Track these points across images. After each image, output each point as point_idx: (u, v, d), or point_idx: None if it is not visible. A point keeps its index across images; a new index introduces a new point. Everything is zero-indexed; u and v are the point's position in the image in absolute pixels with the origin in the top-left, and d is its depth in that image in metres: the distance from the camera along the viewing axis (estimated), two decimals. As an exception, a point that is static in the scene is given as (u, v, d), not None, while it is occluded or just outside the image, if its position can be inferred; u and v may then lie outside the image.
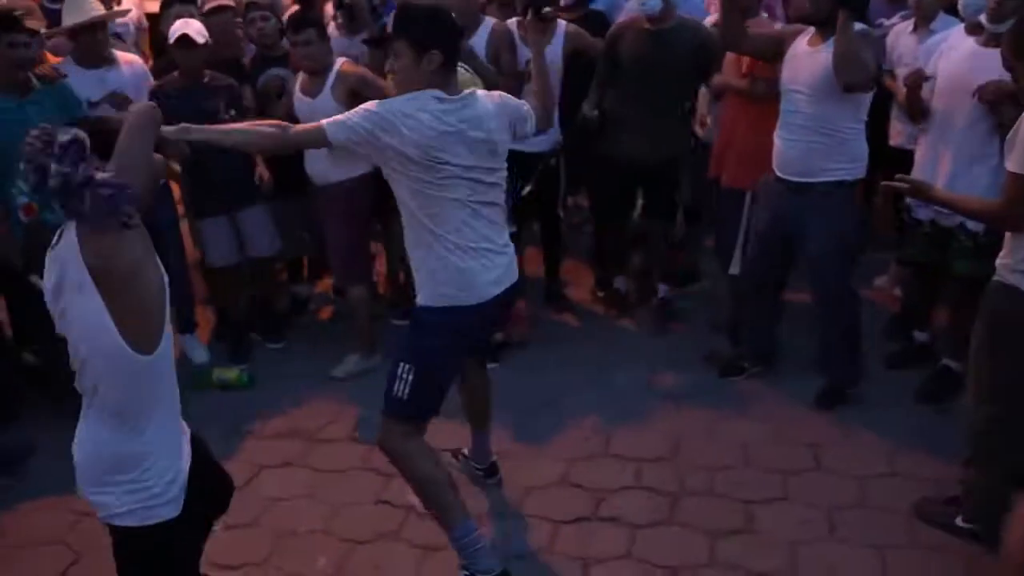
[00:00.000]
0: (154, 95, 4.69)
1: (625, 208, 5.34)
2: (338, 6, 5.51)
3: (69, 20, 4.68)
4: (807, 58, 4.13)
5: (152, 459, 2.37)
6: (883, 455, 4.06)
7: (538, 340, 5.25)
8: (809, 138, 4.14)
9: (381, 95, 3.64)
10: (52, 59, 4.74)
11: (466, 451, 4.02)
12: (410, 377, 3.20)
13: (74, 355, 2.32)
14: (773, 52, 4.32)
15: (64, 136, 2.02)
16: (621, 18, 5.52)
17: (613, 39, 5.07)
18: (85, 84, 4.61)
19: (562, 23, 5.18)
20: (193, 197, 5.17)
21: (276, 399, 4.76)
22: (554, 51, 5.01)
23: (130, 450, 2.35)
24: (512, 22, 5.11)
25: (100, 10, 4.77)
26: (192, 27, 4.74)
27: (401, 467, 3.33)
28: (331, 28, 5.42)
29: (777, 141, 4.29)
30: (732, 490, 3.89)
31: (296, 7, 5.41)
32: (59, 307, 2.29)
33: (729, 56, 4.76)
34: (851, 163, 4.20)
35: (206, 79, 4.84)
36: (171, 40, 4.75)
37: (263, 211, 5.11)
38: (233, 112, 4.70)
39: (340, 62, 4.76)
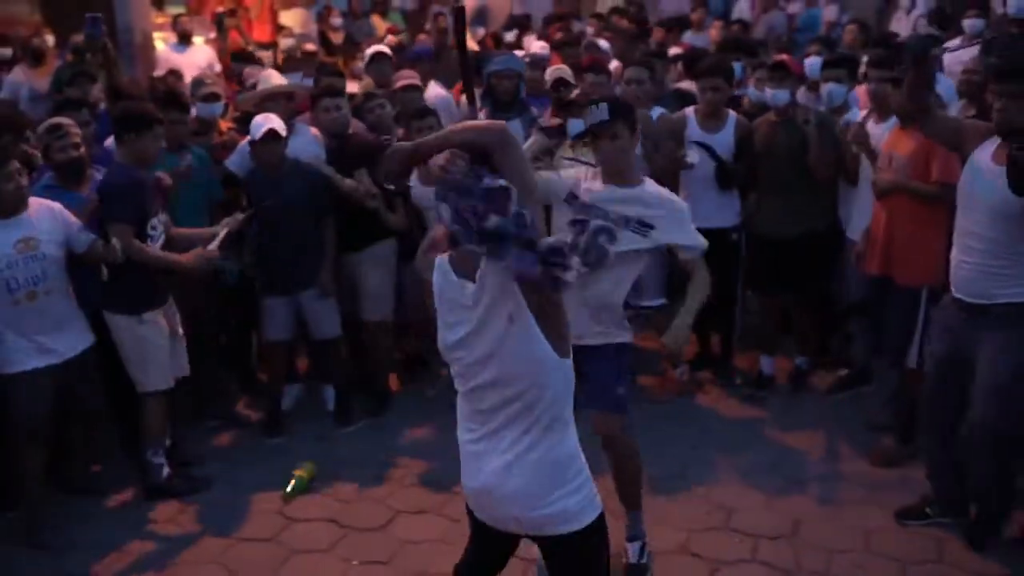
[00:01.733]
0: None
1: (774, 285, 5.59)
2: (486, 94, 5.94)
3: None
4: (990, 175, 3.79)
5: (578, 450, 2.60)
6: (1010, 556, 4.01)
7: (680, 410, 5.46)
8: (988, 261, 3.84)
9: None
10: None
11: None
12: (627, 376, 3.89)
13: (502, 387, 2.48)
14: (953, 143, 4.07)
15: (492, 182, 2.20)
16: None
17: (750, 131, 5.46)
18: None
19: (733, 114, 5.59)
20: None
21: (418, 448, 5.12)
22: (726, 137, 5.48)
23: (567, 450, 2.56)
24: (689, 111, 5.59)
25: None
26: (276, 122, 5.06)
27: (624, 453, 3.89)
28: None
29: (952, 258, 4.01)
30: (849, 572, 3.93)
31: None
32: (482, 351, 2.47)
33: (907, 156, 4.61)
34: None
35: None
36: (258, 136, 5.02)
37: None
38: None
39: None
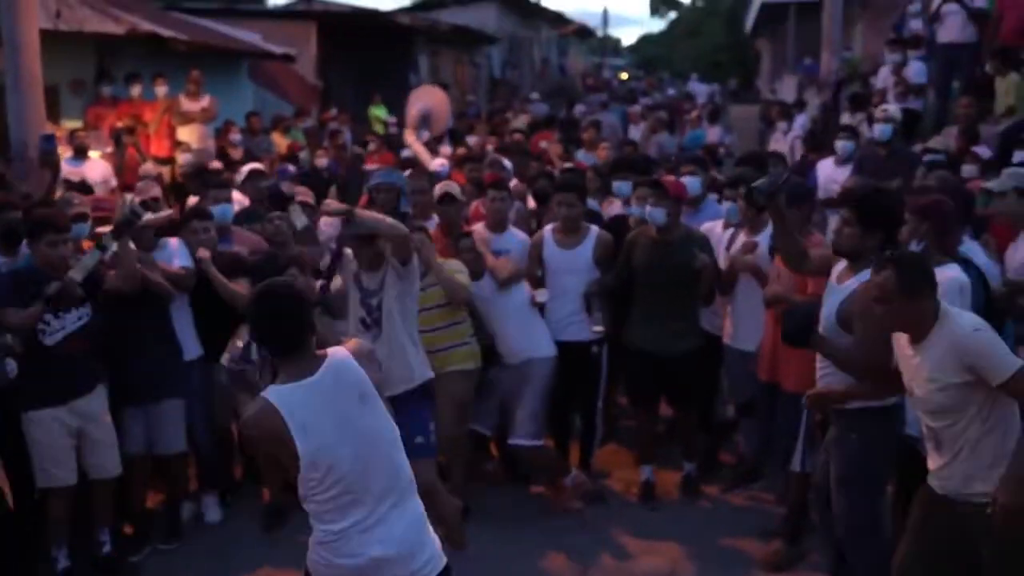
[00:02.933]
0: None
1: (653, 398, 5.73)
2: (368, 205, 6.13)
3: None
4: (832, 293, 4.17)
5: None
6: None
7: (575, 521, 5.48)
8: (836, 371, 4.09)
9: None
10: None
11: None
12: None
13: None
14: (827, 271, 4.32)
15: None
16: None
17: (629, 246, 5.62)
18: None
19: (594, 228, 5.80)
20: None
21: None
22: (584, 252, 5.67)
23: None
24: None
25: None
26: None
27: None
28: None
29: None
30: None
31: None
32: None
33: (791, 272, 4.77)
34: None
35: None
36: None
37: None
38: None
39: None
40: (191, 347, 5.38)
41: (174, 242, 5.38)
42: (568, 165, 8.77)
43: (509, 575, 4.91)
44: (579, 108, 18.34)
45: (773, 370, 5.16)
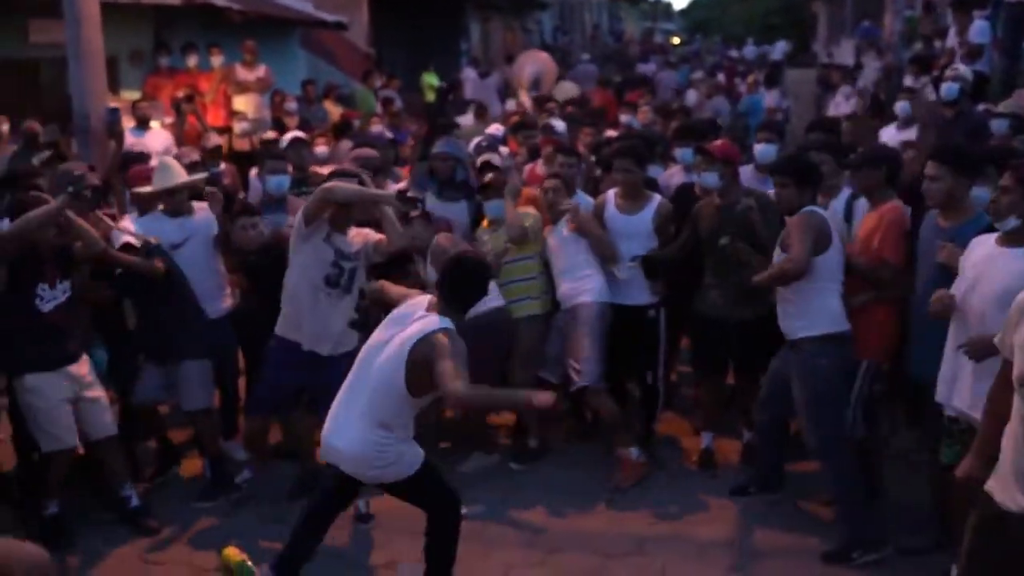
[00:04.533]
0: None
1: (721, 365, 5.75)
2: (431, 175, 6.36)
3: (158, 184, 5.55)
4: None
5: None
6: None
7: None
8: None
9: None
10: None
11: None
12: None
13: None
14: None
15: None
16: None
17: (695, 215, 5.61)
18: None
19: (656, 197, 5.82)
20: None
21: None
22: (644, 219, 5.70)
23: None
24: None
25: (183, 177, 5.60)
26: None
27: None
28: None
29: None
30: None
31: None
32: None
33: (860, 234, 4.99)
34: None
35: None
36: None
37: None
38: None
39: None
40: (217, 305, 5.59)
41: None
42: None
43: (567, 540, 4.94)
44: (644, 67, 18.32)
45: None
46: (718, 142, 5.87)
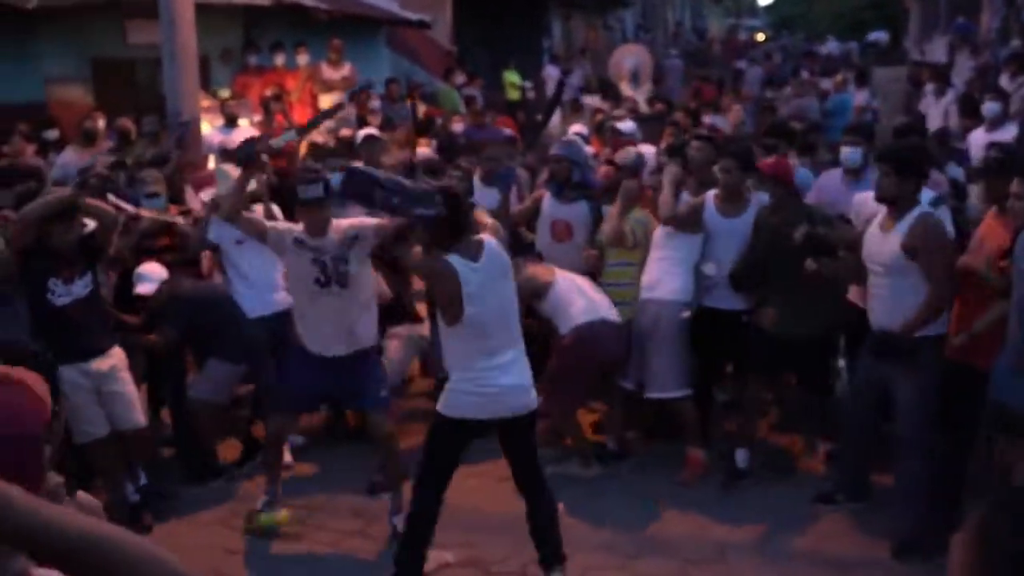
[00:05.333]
0: None
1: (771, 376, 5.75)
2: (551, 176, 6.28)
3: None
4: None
5: None
6: None
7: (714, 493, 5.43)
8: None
9: None
10: None
11: None
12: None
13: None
14: None
15: None
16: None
17: (756, 229, 5.51)
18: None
19: (756, 198, 5.68)
20: None
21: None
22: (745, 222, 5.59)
23: None
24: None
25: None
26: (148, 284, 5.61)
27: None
28: None
29: None
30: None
31: None
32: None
33: (975, 241, 4.82)
34: None
35: None
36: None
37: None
38: None
39: None
40: (273, 298, 5.79)
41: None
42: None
43: (647, 545, 4.91)
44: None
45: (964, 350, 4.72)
46: (769, 160, 5.71)
